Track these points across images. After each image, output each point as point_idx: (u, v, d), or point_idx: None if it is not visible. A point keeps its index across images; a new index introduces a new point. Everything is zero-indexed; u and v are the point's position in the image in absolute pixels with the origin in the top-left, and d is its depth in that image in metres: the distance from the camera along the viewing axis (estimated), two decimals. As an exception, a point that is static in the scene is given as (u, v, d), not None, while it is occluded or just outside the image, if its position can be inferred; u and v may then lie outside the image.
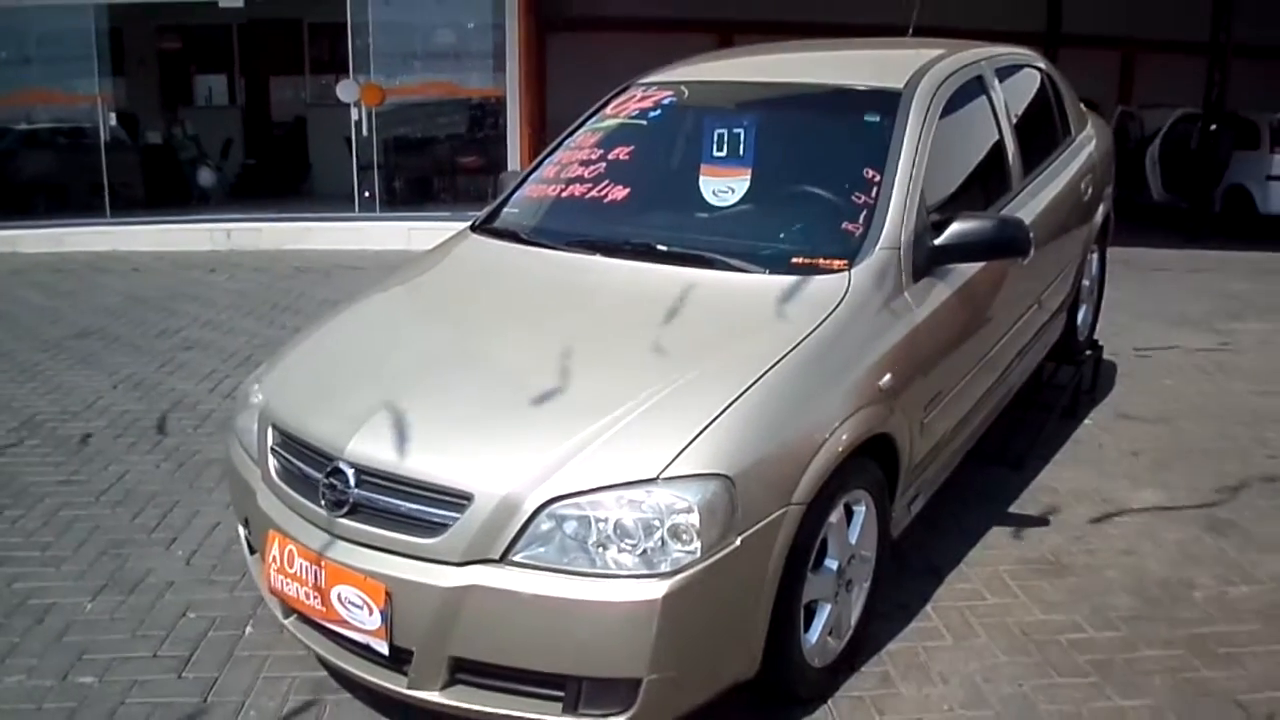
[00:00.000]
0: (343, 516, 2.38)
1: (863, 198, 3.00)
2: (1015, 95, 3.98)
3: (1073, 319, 4.74)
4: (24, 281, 8.18)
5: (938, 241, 2.96)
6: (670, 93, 3.66)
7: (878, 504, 2.78)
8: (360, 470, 2.36)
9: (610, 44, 13.66)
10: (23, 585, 3.29)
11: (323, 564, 2.38)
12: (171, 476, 4.19)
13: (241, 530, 3.00)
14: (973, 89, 3.59)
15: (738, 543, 2.22)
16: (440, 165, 10.59)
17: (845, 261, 2.83)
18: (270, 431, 2.67)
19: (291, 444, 2.59)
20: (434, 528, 2.26)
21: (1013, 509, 3.95)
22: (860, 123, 3.25)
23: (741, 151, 3.30)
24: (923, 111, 3.20)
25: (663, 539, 2.17)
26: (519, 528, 2.19)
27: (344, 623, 2.38)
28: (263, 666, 2.87)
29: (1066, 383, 4.92)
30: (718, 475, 2.20)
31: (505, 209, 3.62)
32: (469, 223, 3.62)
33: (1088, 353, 5.11)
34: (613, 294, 2.91)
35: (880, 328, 2.75)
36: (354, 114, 9.70)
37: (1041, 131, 4.22)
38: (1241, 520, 3.90)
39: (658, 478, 2.18)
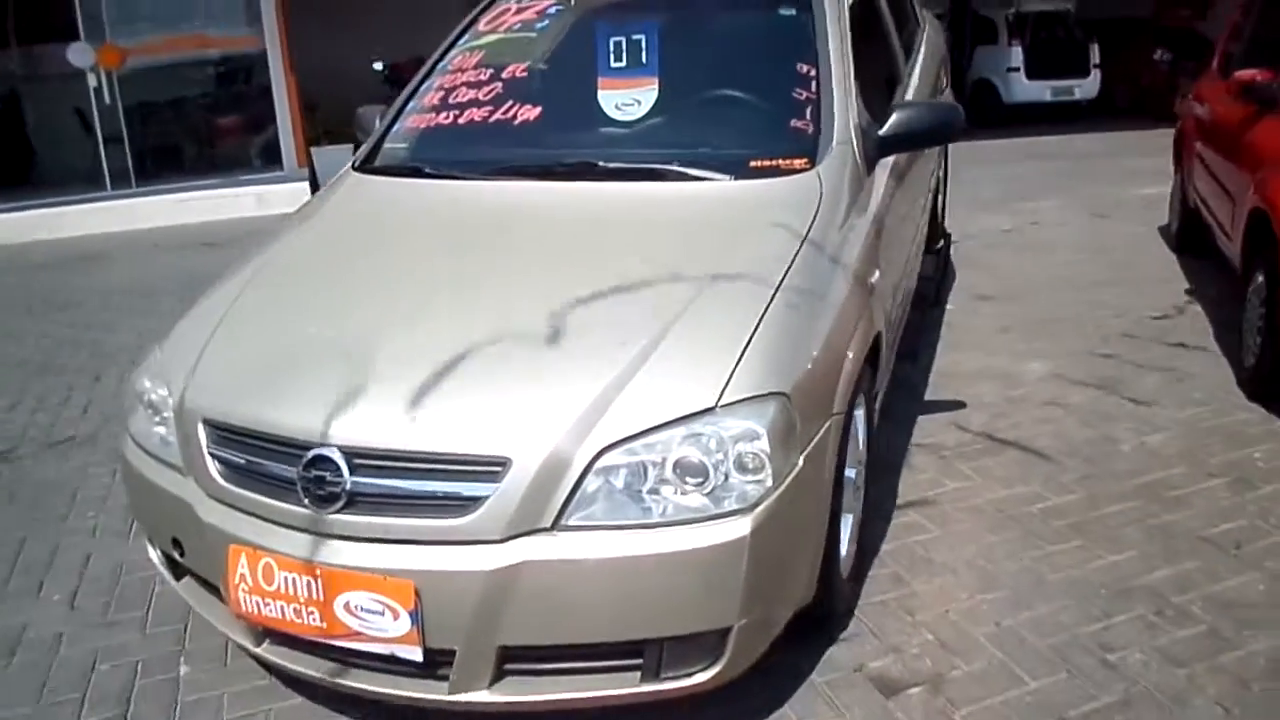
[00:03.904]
0: (337, 512, 2.00)
1: (804, 93, 2.85)
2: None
3: (935, 206, 4.87)
4: None
5: (882, 131, 2.87)
6: (553, 1, 3.33)
7: (868, 405, 2.69)
8: (353, 455, 1.99)
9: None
10: None
11: (318, 572, 2.00)
12: (4, 511, 3.49)
13: (155, 554, 2.52)
14: (860, -24, 3.51)
15: (801, 463, 2.06)
16: (201, 127, 9.47)
17: (806, 160, 2.68)
18: (202, 430, 2.20)
19: (239, 440, 2.15)
20: (463, 505, 1.94)
21: (929, 396, 4.02)
22: (777, 17, 3.09)
23: (656, 57, 3.04)
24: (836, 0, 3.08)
25: (727, 473, 1.96)
26: (571, 487, 1.91)
27: (356, 635, 2.01)
28: (221, 707, 2.43)
29: (930, 273, 5.08)
30: (776, 394, 2.01)
31: (386, 144, 3.20)
32: (349, 164, 3.18)
33: (940, 242, 5.29)
34: (570, 219, 2.61)
35: (857, 224, 2.64)
36: (91, 80, 8.44)
37: (904, 21, 4.23)
38: (1123, 375, 4.16)
39: (716, 406, 1.96)
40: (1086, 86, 12.66)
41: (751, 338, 2.08)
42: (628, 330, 2.11)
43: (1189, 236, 5.79)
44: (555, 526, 1.92)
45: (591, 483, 1.93)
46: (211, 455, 2.19)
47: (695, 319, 2.13)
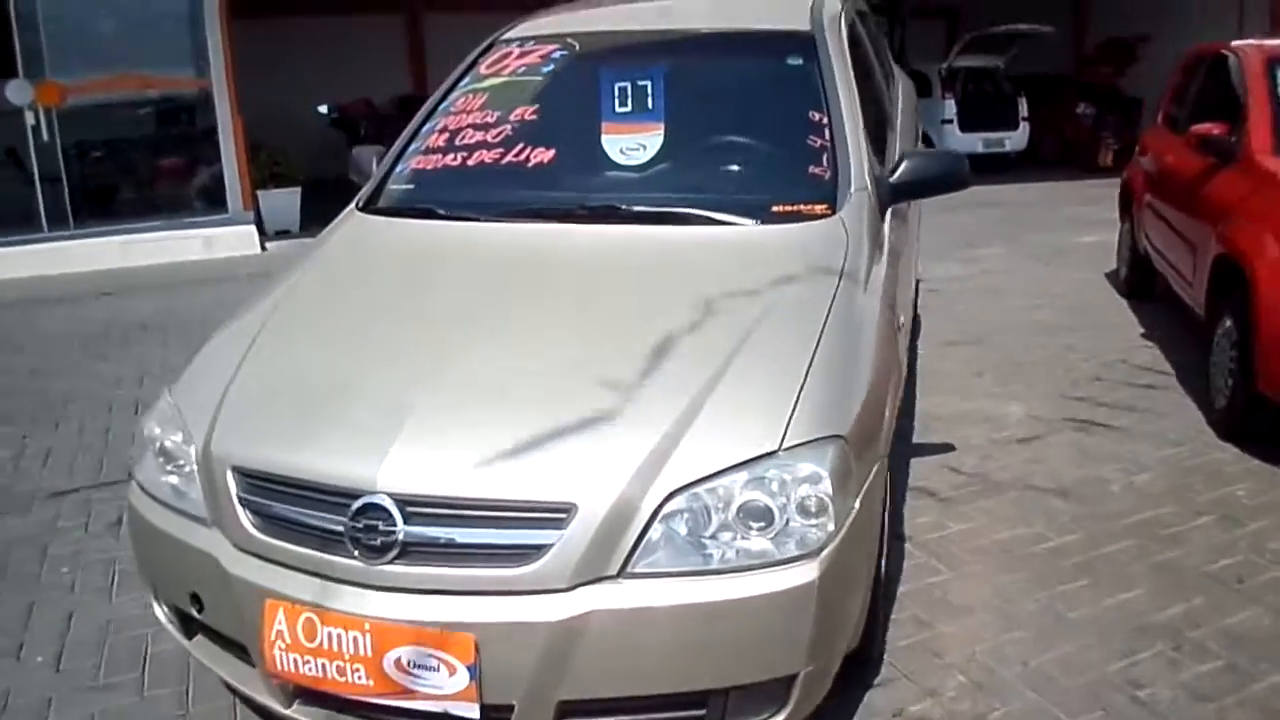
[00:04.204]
0: (389, 563, 1.92)
1: (818, 141, 2.88)
2: (869, 33, 4.05)
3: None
4: None
5: (893, 179, 2.92)
6: (556, 45, 3.34)
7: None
8: (406, 503, 1.92)
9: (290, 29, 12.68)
10: None
11: (367, 626, 1.92)
12: (-32, 569, 3.29)
13: (161, 610, 2.38)
14: (855, 27, 3.60)
15: (858, 506, 2.05)
16: (144, 168, 9.19)
17: (827, 206, 2.71)
18: (231, 479, 2.11)
19: (275, 489, 2.06)
20: (526, 553, 1.88)
21: (917, 439, 4.07)
22: (784, 65, 3.13)
23: (662, 103, 3.06)
24: (839, 50, 3.14)
25: (789, 517, 1.95)
26: (638, 533, 1.88)
27: (406, 693, 1.93)
28: (238, 773, 2.31)
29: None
30: (835, 437, 2.01)
31: (389, 186, 3.15)
32: (353, 204, 3.12)
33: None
34: (600, 261, 2.59)
35: (879, 269, 2.67)
36: (29, 118, 8.15)
37: (884, 69, 4.34)
38: (1099, 417, 4.28)
39: (779, 450, 1.95)
40: (1016, 139, 13.16)
41: (805, 381, 2.07)
42: (683, 373, 2.09)
43: (1138, 282, 6.02)
44: (621, 574, 1.88)
45: (656, 529, 1.90)
46: (243, 505, 2.09)
47: (749, 363, 2.12)
